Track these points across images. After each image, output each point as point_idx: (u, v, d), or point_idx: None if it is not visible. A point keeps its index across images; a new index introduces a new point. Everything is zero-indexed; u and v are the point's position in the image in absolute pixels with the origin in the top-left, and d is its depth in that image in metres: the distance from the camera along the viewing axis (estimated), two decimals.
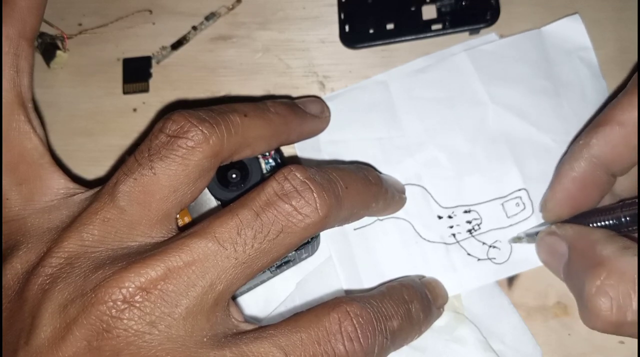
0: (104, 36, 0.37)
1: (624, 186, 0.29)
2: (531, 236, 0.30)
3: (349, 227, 0.32)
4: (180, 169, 0.23)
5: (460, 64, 0.33)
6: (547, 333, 0.31)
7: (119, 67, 0.36)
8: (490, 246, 0.31)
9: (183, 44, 0.36)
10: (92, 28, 0.37)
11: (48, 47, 0.36)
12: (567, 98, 0.32)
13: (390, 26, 0.35)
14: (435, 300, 0.29)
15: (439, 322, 0.30)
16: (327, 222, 0.24)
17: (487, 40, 0.34)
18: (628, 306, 0.23)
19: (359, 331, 0.23)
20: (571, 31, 0.33)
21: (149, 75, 0.36)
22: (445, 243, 0.31)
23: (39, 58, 0.37)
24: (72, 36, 0.37)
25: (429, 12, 0.35)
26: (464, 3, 0.34)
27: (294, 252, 0.28)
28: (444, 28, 0.34)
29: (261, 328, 0.23)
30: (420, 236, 0.32)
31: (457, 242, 0.31)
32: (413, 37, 0.34)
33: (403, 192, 0.32)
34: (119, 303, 0.21)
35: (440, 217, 0.32)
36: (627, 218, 0.26)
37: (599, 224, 0.27)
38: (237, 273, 0.22)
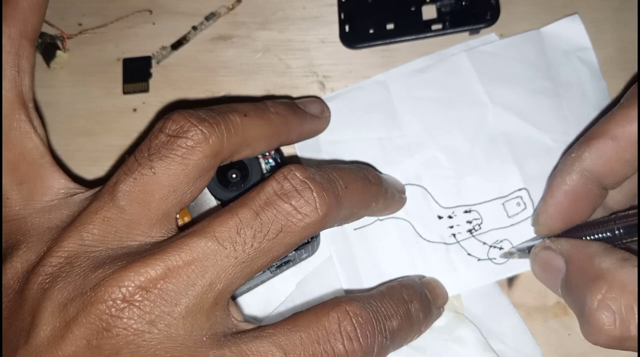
0: (104, 36, 0.37)
1: (616, 199, 0.29)
2: (523, 251, 0.30)
3: (349, 227, 0.32)
4: (180, 169, 0.23)
5: (460, 65, 0.33)
6: (547, 333, 0.31)
7: (119, 67, 0.36)
8: (490, 246, 0.31)
9: (183, 44, 0.36)
10: (92, 28, 0.37)
11: (48, 47, 0.36)
12: (567, 98, 0.32)
13: (390, 26, 0.35)
14: (435, 300, 0.29)
15: (439, 322, 0.30)
16: (326, 221, 0.24)
17: (487, 40, 0.34)
18: (631, 320, 0.23)
19: (358, 331, 0.23)
20: (571, 31, 0.33)
21: (149, 75, 0.36)
22: (445, 243, 0.31)
23: (39, 58, 0.37)
24: (72, 36, 0.37)
25: (429, 12, 0.35)
26: (464, 3, 0.34)
27: (294, 252, 0.28)
28: (444, 28, 0.34)
29: (261, 327, 0.23)
30: (421, 236, 0.32)
31: (458, 242, 0.31)
32: (413, 37, 0.34)
33: (403, 192, 0.32)
34: (118, 302, 0.21)
35: (440, 217, 0.32)
36: (621, 230, 0.26)
37: (592, 237, 0.27)
38: (236, 272, 0.22)
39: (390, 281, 0.30)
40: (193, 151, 0.23)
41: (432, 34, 0.34)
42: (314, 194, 0.23)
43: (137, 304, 0.21)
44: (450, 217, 0.32)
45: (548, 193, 0.29)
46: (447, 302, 0.30)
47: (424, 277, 0.31)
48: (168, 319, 0.21)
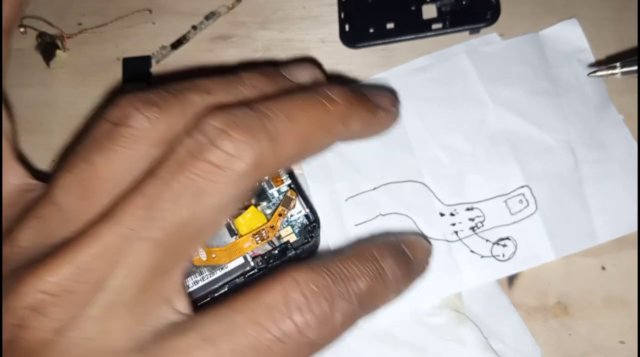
0: (103, 36, 0.37)
1: None
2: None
3: (349, 222, 0.32)
4: (120, 160, 0.21)
5: (461, 64, 0.34)
6: (547, 333, 0.31)
7: (119, 66, 0.36)
8: (494, 243, 0.31)
9: (183, 43, 0.36)
10: (92, 28, 0.37)
11: (48, 47, 0.36)
12: (567, 99, 0.33)
13: (390, 25, 0.35)
14: (415, 254, 0.25)
15: (439, 322, 0.29)
16: (263, 167, 0.20)
17: (488, 39, 0.34)
18: None
19: (310, 299, 0.20)
20: (569, 34, 0.34)
21: (149, 75, 0.36)
22: (447, 240, 0.31)
23: (38, 58, 0.37)
24: (72, 36, 0.37)
25: (429, 11, 0.35)
26: (464, 2, 0.34)
27: (293, 252, 0.28)
28: (444, 27, 0.34)
29: (194, 317, 0.21)
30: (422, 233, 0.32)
31: (460, 239, 0.31)
32: (413, 36, 0.34)
33: (391, 105, 0.26)
34: (26, 312, 0.19)
35: (442, 215, 0.32)
36: None
37: None
38: (158, 257, 0.20)
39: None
40: (136, 140, 0.21)
41: (432, 33, 0.34)
42: (235, 141, 0.20)
43: (44, 311, 0.19)
44: (452, 214, 0.32)
45: None
46: (448, 301, 0.30)
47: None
48: (79, 323, 0.19)
